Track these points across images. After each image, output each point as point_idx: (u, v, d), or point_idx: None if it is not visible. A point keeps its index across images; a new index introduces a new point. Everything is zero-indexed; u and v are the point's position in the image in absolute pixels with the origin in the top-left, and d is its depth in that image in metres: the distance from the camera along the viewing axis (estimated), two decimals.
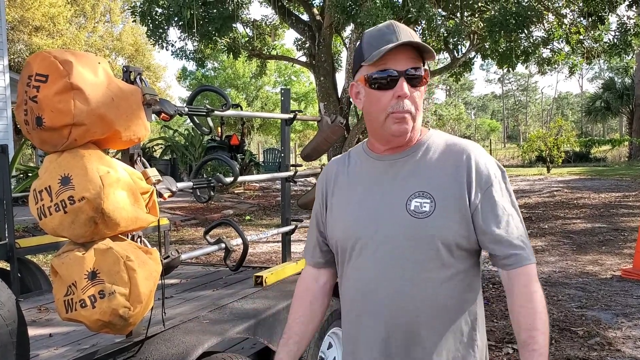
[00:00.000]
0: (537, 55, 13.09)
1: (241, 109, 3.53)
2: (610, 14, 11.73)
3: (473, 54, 14.06)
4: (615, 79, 34.33)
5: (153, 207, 2.04)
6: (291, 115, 3.37)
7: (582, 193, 14.31)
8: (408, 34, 1.35)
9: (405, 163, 1.41)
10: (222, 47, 14.00)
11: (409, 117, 1.36)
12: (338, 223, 1.48)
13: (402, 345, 1.37)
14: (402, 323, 1.36)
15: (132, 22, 16.19)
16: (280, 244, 4.02)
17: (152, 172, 2.11)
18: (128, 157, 2.13)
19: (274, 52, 16.83)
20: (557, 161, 22.43)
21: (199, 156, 15.48)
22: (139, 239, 2.10)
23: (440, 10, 12.06)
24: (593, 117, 34.38)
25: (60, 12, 23.85)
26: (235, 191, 14.98)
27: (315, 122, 3.74)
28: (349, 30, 13.94)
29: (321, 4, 14.09)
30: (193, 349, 2.05)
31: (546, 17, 12.26)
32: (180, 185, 2.34)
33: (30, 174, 11.18)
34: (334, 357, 3.08)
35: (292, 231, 3.47)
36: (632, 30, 11.99)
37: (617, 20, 12.43)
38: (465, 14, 12.22)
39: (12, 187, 3.97)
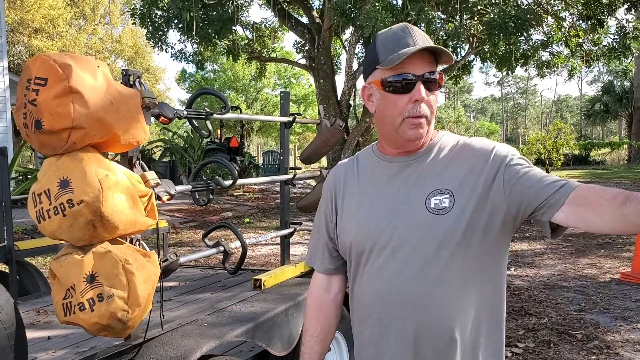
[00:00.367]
0: (536, 58, 13.09)
1: (240, 112, 3.53)
2: (609, 17, 11.73)
3: (472, 56, 14.08)
4: (615, 82, 34.44)
5: (152, 211, 2.05)
6: (290, 118, 3.37)
7: None
8: (424, 37, 1.35)
9: (419, 164, 1.40)
10: (222, 49, 13.99)
11: (425, 122, 1.36)
12: (351, 226, 1.46)
13: (432, 347, 1.36)
14: (431, 324, 1.35)
15: (132, 24, 16.23)
16: (279, 247, 4.02)
17: (151, 175, 2.11)
18: (127, 160, 2.13)
19: (273, 55, 16.82)
20: (556, 164, 22.42)
21: (198, 158, 15.46)
22: (137, 242, 2.10)
23: (439, 13, 12.08)
24: (592, 120, 34.44)
25: (60, 14, 23.83)
26: (235, 193, 14.96)
27: (315, 125, 3.75)
28: (348, 33, 13.99)
29: (321, 7, 14.12)
30: (191, 352, 2.05)
31: (545, 20, 12.28)
32: (179, 188, 2.35)
33: (29, 176, 11.18)
34: None
35: (291, 234, 3.47)
36: (631, 33, 12.00)
37: (616, 24, 12.46)
38: (465, 17, 12.23)
39: (11, 189, 3.97)
